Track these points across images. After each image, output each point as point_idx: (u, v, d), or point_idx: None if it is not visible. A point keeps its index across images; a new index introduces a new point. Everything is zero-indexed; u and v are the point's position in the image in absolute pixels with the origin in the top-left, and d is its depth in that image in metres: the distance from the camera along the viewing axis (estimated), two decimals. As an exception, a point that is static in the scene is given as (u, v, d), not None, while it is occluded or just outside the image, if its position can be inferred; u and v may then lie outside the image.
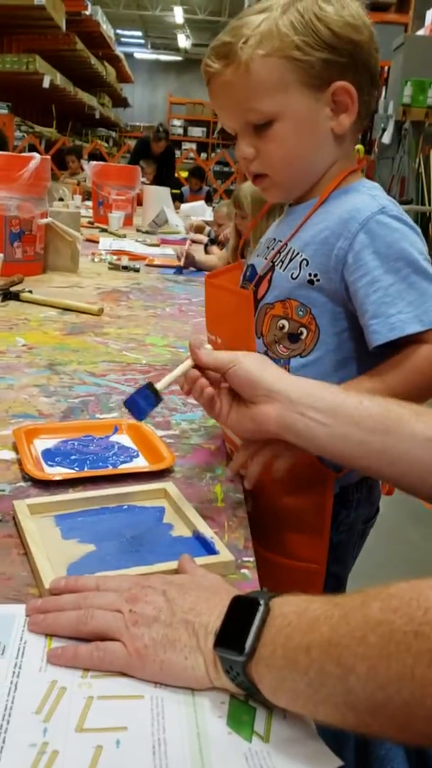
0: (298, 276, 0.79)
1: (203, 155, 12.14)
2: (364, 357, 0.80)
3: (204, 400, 0.71)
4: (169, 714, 0.47)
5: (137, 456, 0.87)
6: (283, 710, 0.47)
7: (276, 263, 0.83)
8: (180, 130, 15.51)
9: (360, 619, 0.40)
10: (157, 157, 6.62)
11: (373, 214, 0.76)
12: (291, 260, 0.81)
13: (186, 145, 13.56)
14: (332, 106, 0.78)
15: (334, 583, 0.90)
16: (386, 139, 7.53)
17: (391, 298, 0.74)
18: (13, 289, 1.80)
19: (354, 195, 0.81)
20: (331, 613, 0.42)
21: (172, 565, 0.62)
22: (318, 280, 0.78)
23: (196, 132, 15.34)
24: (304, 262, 0.79)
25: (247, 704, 0.48)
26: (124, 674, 0.50)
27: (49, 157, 2.14)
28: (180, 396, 1.14)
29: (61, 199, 3.76)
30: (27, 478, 0.79)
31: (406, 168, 6.78)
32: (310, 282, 0.79)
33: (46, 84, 7.87)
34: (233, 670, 0.46)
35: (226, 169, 10.91)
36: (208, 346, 0.72)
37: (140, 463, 0.85)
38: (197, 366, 0.70)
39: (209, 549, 0.66)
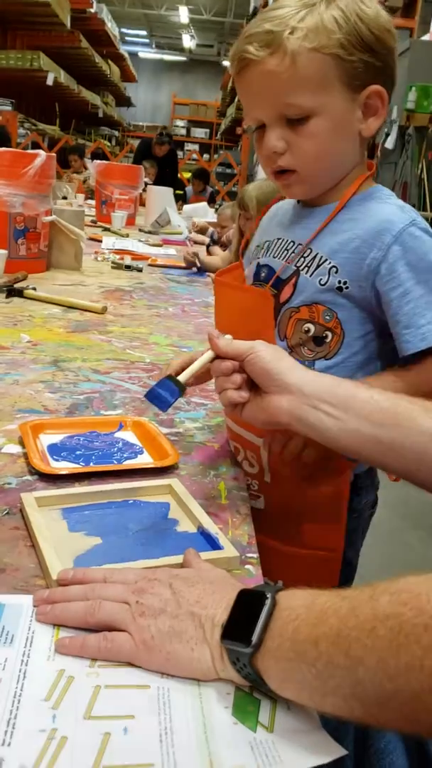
0: (326, 282, 0.80)
1: (206, 156, 12.15)
2: (385, 356, 0.83)
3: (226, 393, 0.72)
4: (175, 704, 0.48)
5: (142, 452, 0.88)
6: (286, 702, 0.48)
7: (301, 268, 0.83)
8: (183, 131, 15.53)
9: (369, 611, 0.41)
10: (159, 159, 6.64)
11: (406, 227, 0.78)
12: (318, 266, 0.81)
13: (189, 146, 13.57)
14: (363, 108, 0.79)
15: (347, 569, 0.92)
16: (389, 144, 7.55)
17: (422, 309, 0.77)
18: (16, 285, 1.81)
19: (379, 204, 0.82)
20: (340, 606, 0.43)
21: (178, 559, 0.63)
22: (347, 287, 0.80)
23: (199, 133, 15.36)
24: (334, 269, 0.80)
25: (251, 696, 0.49)
26: (130, 664, 0.51)
27: (54, 154, 2.15)
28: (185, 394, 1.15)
29: (64, 197, 3.77)
30: (33, 471, 0.80)
31: (409, 173, 6.80)
32: (339, 289, 0.80)
33: (50, 81, 7.88)
34: (240, 661, 0.47)
35: (228, 170, 10.93)
36: (228, 336, 0.73)
37: (145, 460, 0.86)
38: (216, 357, 0.72)
39: (214, 544, 0.67)
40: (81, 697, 0.48)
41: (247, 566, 0.67)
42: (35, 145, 6.89)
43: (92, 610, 0.53)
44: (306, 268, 0.82)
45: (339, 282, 0.80)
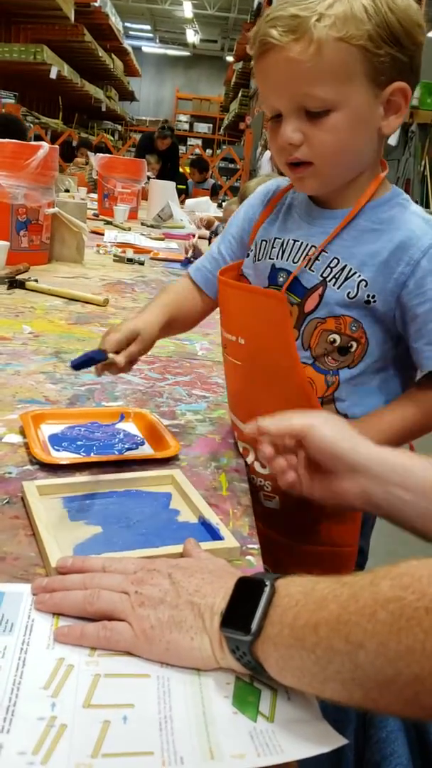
0: (355, 296, 0.79)
1: (209, 151, 12.12)
2: (398, 361, 0.83)
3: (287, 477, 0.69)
4: (175, 693, 0.48)
5: (143, 443, 0.87)
6: (287, 692, 0.48)
7: (328, 279, 0.80)
8: (186, 126, 15.50)
9: (369, 596, 0.41)
10: (161, 153, 6.63)
11: None
12: (347, 279, 0.79)
13: (191, 141, 13.54)
14: (385, 105, 0.75)
15: (360, 557, 0.93)
16: (392, 141, 7.51)
17: None
18: (18, 277, 1.80)
19: (403, 214, 0.80)
20: (340, 592, 0.43)
21: (178, 548, 0.63)
22: (375, 301, 0.79)
23: (202, 128, 15.33)
24: (363, 282, 0.78)
25: (252, 686, 0.49)
26: (130, 654, 0.51)
27: (57, 146, 2.14)
28: (185, 387, 1.14)
29: (66, 190, 3.77)
30: (34, 461, 0.79)
31: (412, 170, 6.79)
32: (366, 302, 0.79)
33: (53, 75, 7.85)
34: (239, 649, 0.47)
35: (231, 165, 10.91)
36: (268, 421, 0.68)
37: (146, 451, 0.85)
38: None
39: (215, 535, 0.67)
40: (80, 685, 0.48)
41: (247, 557, 0.66)
42: (38, 139, 6.86)
43: (91, 600, 0.53)
44: (334, 279, 0.80)
45: (368, 296, 0.79)
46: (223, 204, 4.77)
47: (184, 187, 7.04)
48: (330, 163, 0.77)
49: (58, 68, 7.91)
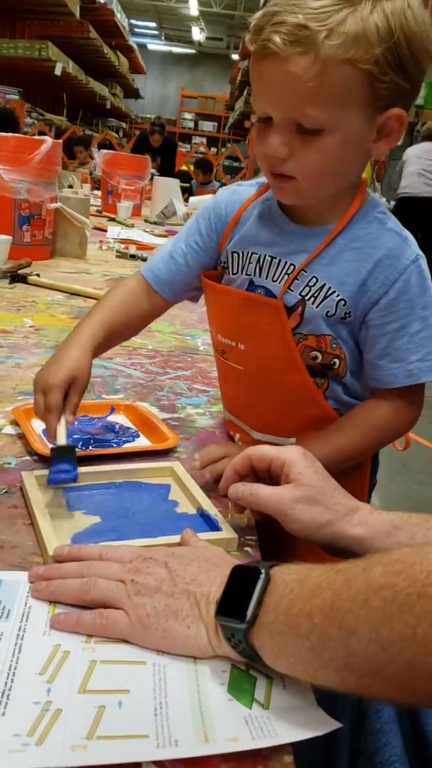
0: (334, 314, 0.78)
1: (213, 150, 12.11)
2: (361, 369, 0.83)
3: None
4: (170, 680, 0.48)
5: (139, 436, 0.88)
6: (282, 680, 0.48)
7: (306, 298, 0.79)
8: (191, 124, 15.48)
9: (362, 583, 0.41)
10: (157, 150, 6.67)
11: (410, 263, 0.76)
12: (326, 297, 0.78)
13: (196, 139, 13.53)
14: (379, 128, 0.72)
15: None
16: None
17: (415, 345, 0.77)
18: (20, 271, 1.81)
19: (382, 231, 0.78)
20: (333, 579, 0.43)
21: (175, 538, 0.63)
22: (350, 316, 0.79)
23: (207, 126, 15.31)
24: (342, 302, 0.78)
25: (247, 673, 0.49)
26: (126, 641, 0.51)
27: (60, 141, 2.14)
28: (186, 381, 1.15)
29: (70, 187, 3.77)
30: (33, 452, 0.80)
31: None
32: (343, 318, 0.79)
33: (57, 71, 7.84)
34: (235, 637, 0.47)
35: (236, 164, 10.90)
36: (246, 488, 0.64)
37: (143, 443, 0.86)
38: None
39: (213, 526, 0.67)
40: (76, 671, 0.48)
41: (246, 548, 0.67)
42: (42, 135, 6.86)
43: (87, 588, 0.53)
44: (312, 299, 0.79)
45: (345, 314, 0.79)
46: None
47: (188, 185, 7.03)
48: (313, 182, 0.74)
49: (62, 65, 7.90)
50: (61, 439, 0.73)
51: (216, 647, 0.49)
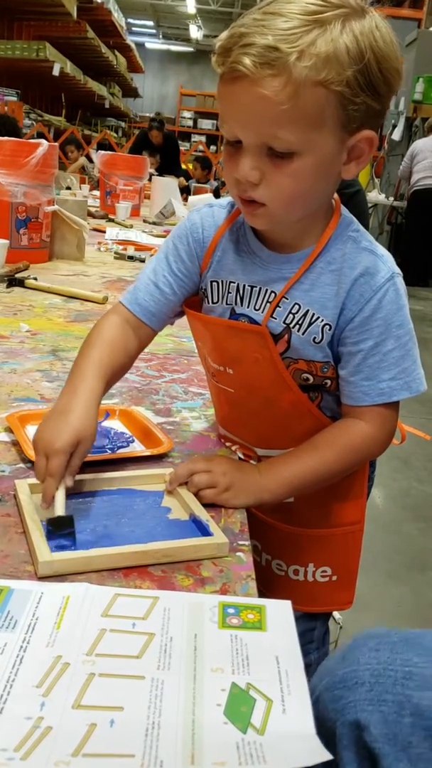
0: (321, 340, 0.78)
1: (212, 148, 12.09)
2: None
3: None
4: (167, 697, 0.48)
5: (133, 441, 0.88)
6: (282, 703, 0.48)
7: (291, 325, 0.79)
8: (190, 122, 15.46)
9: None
10: (158, 148, 6.61)
11: (385, 282, 0.76)
12: (311, 324, 0.78)
13: (195, 138, 13.51)
14: (349, 150, 0.71)
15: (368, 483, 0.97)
16: (396, 135, 7.50)
17: (388, 364, 0.76)
18: (18, 275, 1.81)
19: (357, 252, 0.77)
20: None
21: (166, 544, 0.63)
22: (332, 336, 0.79)
23: (206, 124, 15.28)
24: (327, 326, 0.77)
25: (247, 694, 0.49)
26: (129, 655, 0.52)
27: (57, 144, 2.14)
28: (182, 384, 1.15)
29: (68, 188, 3.77)
30: (26, 460, 0.80)
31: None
32: (330, 343, 0.79)
33: (56, 72, 7.84)
34: None
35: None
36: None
37: (137, 448, 0.86)
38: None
39: (204, 531, 0.67)
40: (73, 685, 0.48)
41: (238, 553, 0.67)
42: (40, 136, 6.86)
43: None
44: (297, 326, 0.78)
45: (331, 337, 0.78)
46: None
47: (186, 185, 7.02)
48: (284, 207, 0.72)
49: (60, 65, 7.89)
50: (59, 509, 0.66)
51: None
